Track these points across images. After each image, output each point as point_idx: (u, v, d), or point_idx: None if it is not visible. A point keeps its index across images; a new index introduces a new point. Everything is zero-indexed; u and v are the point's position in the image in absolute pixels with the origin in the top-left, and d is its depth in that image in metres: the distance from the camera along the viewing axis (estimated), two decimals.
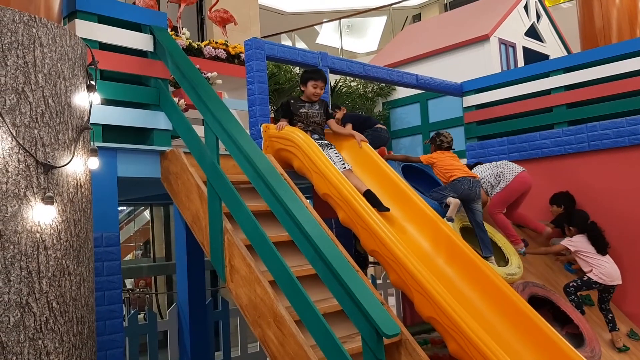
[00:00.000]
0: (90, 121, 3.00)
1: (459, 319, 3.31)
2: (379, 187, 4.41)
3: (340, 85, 7.91)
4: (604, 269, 4.62)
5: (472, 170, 5.08)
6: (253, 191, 3.42)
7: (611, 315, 4.63)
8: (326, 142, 4.51)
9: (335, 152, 4.41)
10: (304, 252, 2.99)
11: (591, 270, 4.63)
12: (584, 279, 4.62)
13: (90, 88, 3.00)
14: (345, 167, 4.26)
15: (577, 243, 4.74)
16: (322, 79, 4.59)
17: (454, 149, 4.90)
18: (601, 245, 4.71)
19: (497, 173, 4.98)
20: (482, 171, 5.07)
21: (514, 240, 4.83)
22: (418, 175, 5.20)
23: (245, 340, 6.29)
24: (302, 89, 4.62)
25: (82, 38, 3.15)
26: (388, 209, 4.07)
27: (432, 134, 5.26)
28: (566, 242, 4.79)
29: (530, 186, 5.01)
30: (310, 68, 4.87)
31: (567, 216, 5.04)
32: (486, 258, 4.33)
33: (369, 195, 4.08)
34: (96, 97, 3.09)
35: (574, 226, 4.88)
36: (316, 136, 4.50)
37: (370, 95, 7.88)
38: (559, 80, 5.72)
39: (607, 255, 4.72)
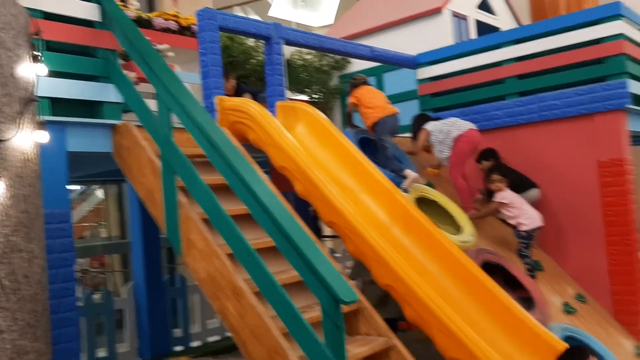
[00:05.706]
0: (38, 94, 2.89)
1: (415, 286, 3.39)
2: (336, 160, 4.43)
3: (296, 59, 7.84)
4: (528, 213, 4.79)
5: (426, 124, 5.18)
6: (209, 165, 3.38)
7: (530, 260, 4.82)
8: None
9: None
10: (262, 225, 2.98)
11: (520, 223, 4.78)
12: (523, 235, 4.78)
13: (35, 59, 2.89)
14: None
15: (508, 195, 4.86)
16: None
17: (370, 84, 5.33)
18: (519, 187, 4.99)
19: (445, 131, 5.00)
20: (433, 128, 5.14)
21: (467, 206, 4.92)
22: (375, 148, 5.23)
23: (205, 316, 6.29)
24: None
25: (26, 7, 3.02)
26: None
27: None
28: (498, 198, 4.87)
29: (478, 143, 5.03)
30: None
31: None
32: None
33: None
34: (42, 69, 2.97)
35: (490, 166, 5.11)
36: None
37: (325, 68, 7.82)
38: (509, 52, 5.80)
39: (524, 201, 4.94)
